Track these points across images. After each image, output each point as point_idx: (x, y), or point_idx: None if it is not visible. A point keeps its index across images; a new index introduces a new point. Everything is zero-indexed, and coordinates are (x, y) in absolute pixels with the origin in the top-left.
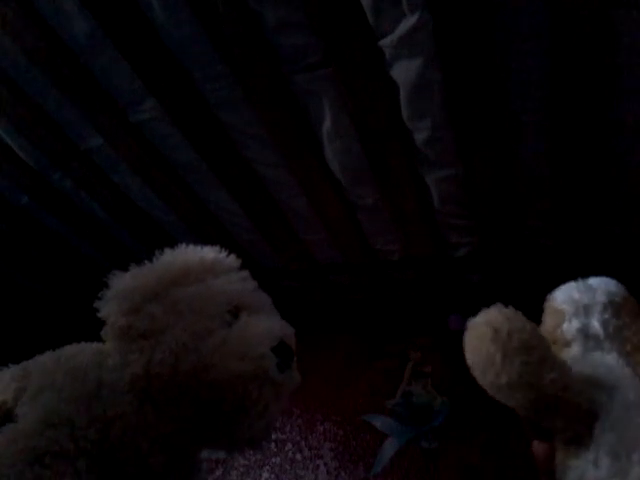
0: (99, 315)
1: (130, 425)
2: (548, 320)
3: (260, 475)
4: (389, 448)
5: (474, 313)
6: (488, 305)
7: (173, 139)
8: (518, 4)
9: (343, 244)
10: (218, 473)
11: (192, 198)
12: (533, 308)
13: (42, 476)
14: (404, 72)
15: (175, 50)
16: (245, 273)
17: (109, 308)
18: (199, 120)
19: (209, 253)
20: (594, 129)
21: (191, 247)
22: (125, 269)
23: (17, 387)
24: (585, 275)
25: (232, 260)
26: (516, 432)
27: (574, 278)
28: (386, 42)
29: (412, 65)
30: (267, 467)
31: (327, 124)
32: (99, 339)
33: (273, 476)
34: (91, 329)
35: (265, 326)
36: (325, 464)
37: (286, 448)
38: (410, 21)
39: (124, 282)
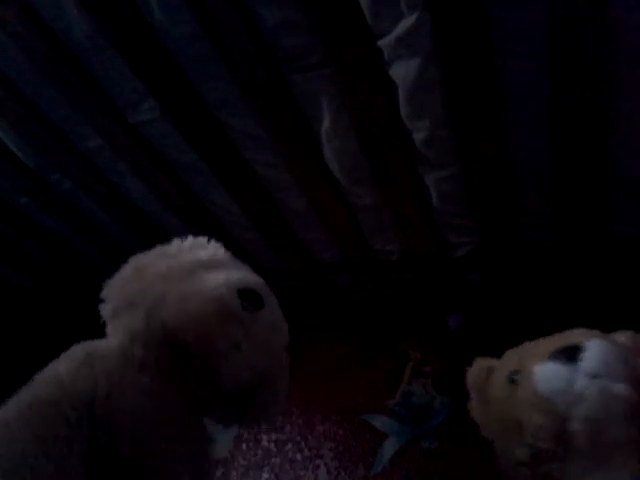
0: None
1: (117, 384)
2: (538, 413)
3: (260, 475)
4: (389, 448)
5: (473, 313)
6: (487, 305)
7: (172, 140)
8: (517, 4)
9: (342, 244)
10: (218, 474)
11: (191, 198)
12: (531, 307)
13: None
14: (403, 72)
15: (174, 50)
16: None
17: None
18: (198, 121)
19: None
20: (593, 128)
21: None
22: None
23: None
24: (582, 275)
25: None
26: None
27: (572, 277)
28: (385, 42)
29: (411, 65)
30: (267, 467)
31: (326, 124)
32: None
33: (273, 476)
34: (89, 329)
35: (225, 275)
36: (325, 464)
37: (286, 448)
38: (409, 21)
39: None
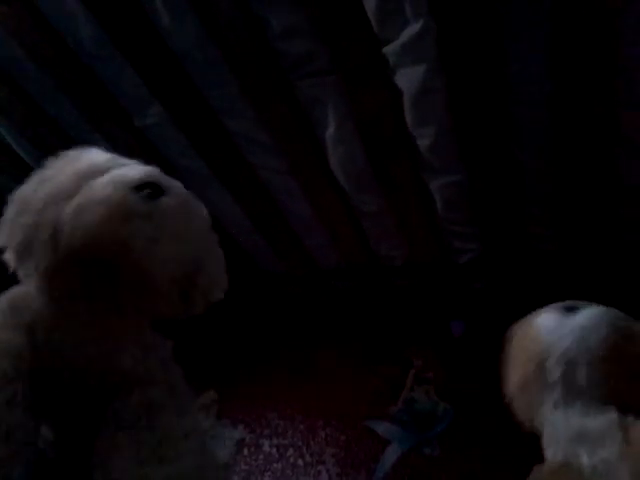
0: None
1: (53, 327)
2: (530, 345)
3: None
4: (391, 454)
5: (477, 319)
6: (491, 312)
7: (178, 144)
8: (521, 10)
9: (346, 250)
10: None
11: None
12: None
13: None
14: (408, 79)
15: (180, 55)
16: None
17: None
18: (204, 126)
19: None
20: (598, 135)
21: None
22: None
23: None
24: (587, 283)
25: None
26: (518, 439)
27: (577, 285)
28: (390, 49)
29: (416, 72)
30: (268, 473)
31: (331, 130)
32: None
33: None
34: None
35: (110, 176)
36: (327, 470)
37: (287, 454)
38: (414, 28)
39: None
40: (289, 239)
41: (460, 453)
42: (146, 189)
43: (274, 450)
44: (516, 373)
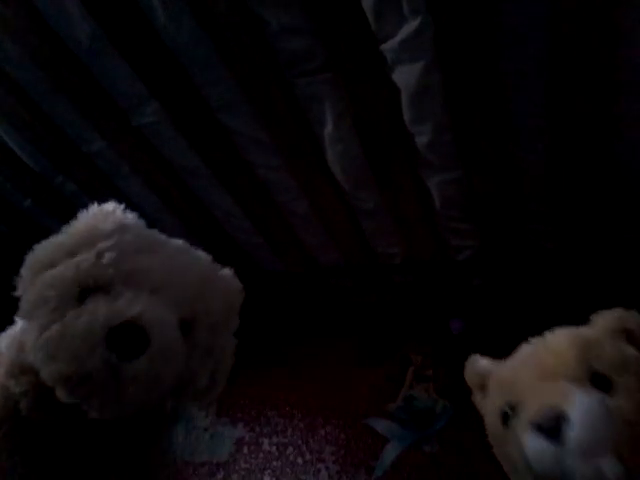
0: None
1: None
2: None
3: (261, 479)
4: (391, 452)
5: (475, 317)
6: (489, 308)
7: (175, 143)
8: (519, 7)
9: (344, 247)
10: (219, 476)
11: (194, 201)
12: (534, 311)
13: None
14: (405, 76)
15: (177, 54)
16: (116, 239)
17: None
18: (201, 124)
19: (92, 218)
20: (594, 131)
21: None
22: None
23: None
24: (586, 281)
25: (109, 222)
26: None
27: (576, 282)
28: (387, 46)
29: (413, 69)
30: (268, 471)
31: (328, 128)
32: None
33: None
34: None
35: (88, 318)
36: (326, 468)
37: (287, 452)
38: (411, 25)
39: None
40: (288, 237)
41: (459, 450)
42: (126, 337)
43: (274, 448)
44: None
